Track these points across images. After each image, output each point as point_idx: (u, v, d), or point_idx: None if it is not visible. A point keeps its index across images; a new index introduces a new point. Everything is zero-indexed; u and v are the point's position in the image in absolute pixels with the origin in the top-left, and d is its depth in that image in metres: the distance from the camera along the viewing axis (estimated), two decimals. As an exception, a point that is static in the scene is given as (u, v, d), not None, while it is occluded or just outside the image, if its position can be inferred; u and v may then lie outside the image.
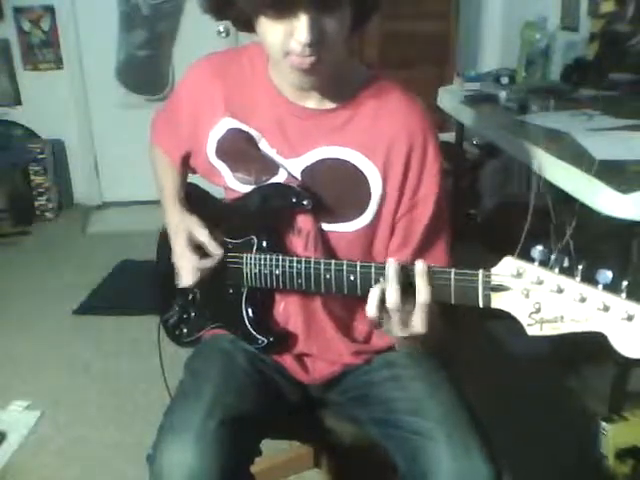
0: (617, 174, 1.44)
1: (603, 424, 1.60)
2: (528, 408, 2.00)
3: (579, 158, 1.56)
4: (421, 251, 1.10)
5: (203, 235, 1.16)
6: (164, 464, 0.96)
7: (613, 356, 0.75)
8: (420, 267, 0.89)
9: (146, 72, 4.00)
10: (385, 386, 1.12)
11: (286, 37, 0.92)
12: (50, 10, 3.79)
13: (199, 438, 0.96)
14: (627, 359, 0.75)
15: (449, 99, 2.55)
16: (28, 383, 2.27)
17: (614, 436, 1.59)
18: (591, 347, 2.12)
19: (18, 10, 3.78)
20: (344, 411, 1.21)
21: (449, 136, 2.76)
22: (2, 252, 3.42)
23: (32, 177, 3.87)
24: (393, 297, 0.90)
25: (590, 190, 1.43)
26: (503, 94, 2.23)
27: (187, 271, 1.17)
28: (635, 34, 2.37)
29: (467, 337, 2.13)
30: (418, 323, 0.91)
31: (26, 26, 3.81)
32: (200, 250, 1.17)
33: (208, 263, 1.15)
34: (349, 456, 1.39)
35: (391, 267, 0.90)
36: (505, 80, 2.52)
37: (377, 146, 1.06)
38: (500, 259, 0.83)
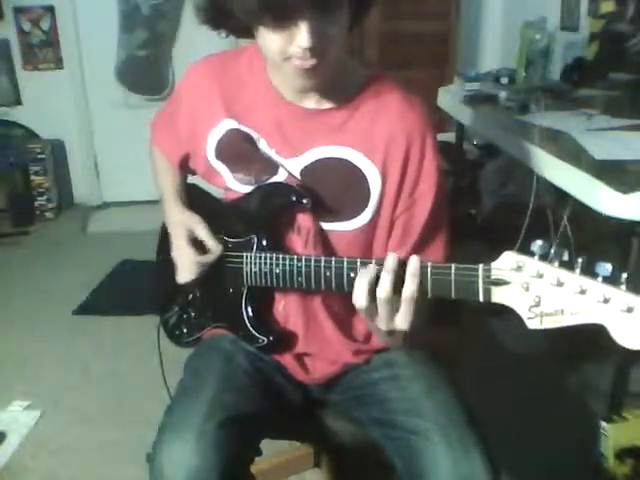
0: (617, 174, 1.43)
1: (603, 424, 1.60)
2: (528, 408, 2.00)
3: (579, 158, 1.56)
4: (419, 248, 1.10)
5: (203, 231, 1.16)
6: (164, 463, 0.96)
7: (614, 352, 0.75)
8: (413, 264, 0.90)
9: (146, 72, 4.00)
10: (384, 386, 1.12)
11: (286, 43, 0.93)
12: (50, 10, 3.79)
13: (199, 437, 0.96)
14: (627, 358, 0.75)
15: (449, 99, 2.55)
16: (28, 383, 2.27)
17: (614, 436, 1.58)
18: (591, 347, 2.12)
19: (18, 10, 3.78)
20: (344, 411, 1.21)
21: (449, 136, 2.76)
22: (2, 252, 3.43)
23: (32, 177, 3.88)
24: (386, 287, 0.90)
25: (590, 190, 1.43)
26: (503, 94, 2.23)
27: (185, 267, 1.17)
28: (635, 34, 2.37)
29: (467, 335, 2.13)
30: (401, 319, 0.92)
31: (26, 26, 3.82)
32: (200, 246, 1.17)
33: (207, 259, 1.15)
34: (349, 456, 1.38)
35: (390, 258, 0.91)
36: (505, 80, 2.51)
37: (376, 145, 1.06)
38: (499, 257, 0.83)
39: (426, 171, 1.07)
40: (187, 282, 1.19)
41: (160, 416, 1.06)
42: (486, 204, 3.19)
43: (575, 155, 1.59)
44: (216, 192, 1.25)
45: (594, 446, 1.64)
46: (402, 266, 0.91)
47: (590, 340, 2.05)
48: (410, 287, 0.89)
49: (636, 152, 1.57)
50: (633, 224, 1.41)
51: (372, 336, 1.17)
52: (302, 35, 0.90)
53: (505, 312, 0.83)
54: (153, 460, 0.99)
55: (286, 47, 0.93)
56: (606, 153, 1.56)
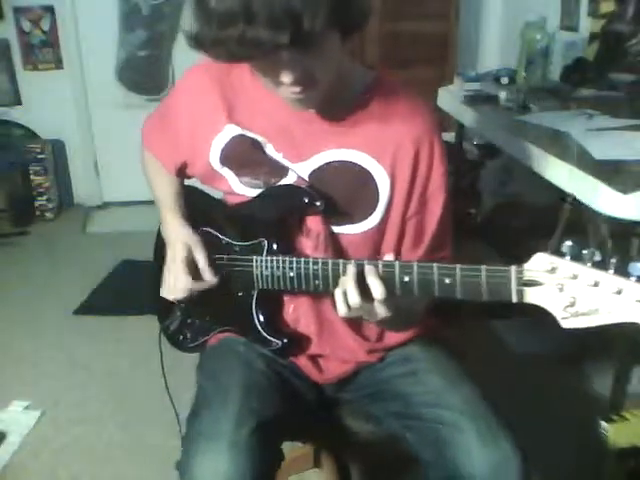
0: (617, 174, 1.43)
1: (603, 424, 1.60)
2: (528, 408, 1.99)
3: (579, 158, 1.56)
4: (433, 248, 1.12)
5: (201, 258, 1.15)
6: (197, 471, 0.95)
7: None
8: (369, 268, 0.94)
9: (146, 72, 4.00)
10: (402, 381, 1.13)
11: (273, 75, 0.93)
12: (50, 10, 3.79)
13: (232, 445, 0.95)
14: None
15: (449, 99, 2.55)
16: (28, 383, 2.27)
17: (614, 436, 1.58)
18: (591, 347, 2.11)
19: (18, 10, 3.78)
20: (358, 408, 1.21)
21: (449, 136, 2.76)
22: (2, 252, 3.42)
23: (32, 177, 3.88)
24: (354, 297, 0.94)
25: (590, 190, 1.43)
26: (503, 94, 2.23)
27: (176, 288, 1.16)
28: (635, 34, 2.36)
29: (469, 336, 2.13)
30: (383, 311, 0.95)
31: (26, 26, 3.82)
32: (194, 268, 1.16)
33: (200, 287, 1.15)
34: (364, 455, 1.38)
35: (349, 269, 0.95)
36: (505, 80, 2.51)
37: (385, 148, 1.07)
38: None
39: (436, 172, 1.09)
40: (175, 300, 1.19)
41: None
42: (486, 204, 3.19)
43: (575, 155, 1.59)
44: (214, 194, 1.24)
45: (594, 446, 1.64)
46: (360, 270, 0.95)
47: (590, 341, 2.05)
48: (377, 291, 0.93)
49: (636, 152, 1.57)
50: (633, 224, 1.41)
51: (385, 334, 1.17)
52: (284, 73, 0.91)
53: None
54: (185, 469, 0.98)
55: (274, 78, 0.93)
56: (606, 153, 1.56)
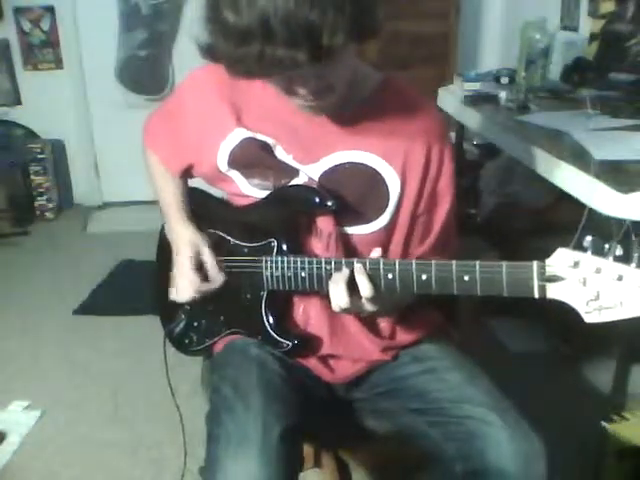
0: (617, 174, 1.43)
1: (603, 424, 1.60)
2: (527, 408, 1.99)
3: (579, 158, 1.55)
4: (439, 242, 1.14)
5: (209, 258, 1.15)
6: (227, 478, 0.95)
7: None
8: (358, 267, 0.96)
9: (146, 72, 4.00)
10: (420, 379, 1.13)
11: (289, 87, 0.93)
12: (50, 10, 3.79)
13: (263, 451, 0.95)
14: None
15: (449, 99, 2.55)
16: (28, 383, 2.27)
17: (614, 436, 1.58)
18: (591, 346, 2.11)
19: (18, 10, 3.79)
20: (370, 405, 1.20)
21: (449, 136, 2.76)
22: (2, 252, 3.43)
23: (32, 177, 3.89)
24: (343, 297, 0.97)
25: (590, 190, 1.43)
26: (503, 94, 2.23)
27: (185, 290, 1.16)
28: (635, 34, 2.36)
29: (467, 335, 2.13)
30: (370, 308, 0.98)
31: (26, 26, 3.82)
32: (201, 270, 1.16)
33: (208, 287, 1.15)
34: (379, 454, 1.37)
35: (357, 268, 0.97)
36: (505, 80, 2.51)
37: (395, 149, 1.07)
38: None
39: (445, 172, 1.10)
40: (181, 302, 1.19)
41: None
42: (486, 204, 3.19)
43: (575, 155, 1.59)
44: (217, 194, 1.23)
45: (594, 446, 1.64)
46: (350, 271, 0.98)
47: (590, 340, 2.05)
48: (365, 289, 0.96)
49: (636, 152, 1.57)
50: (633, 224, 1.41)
51: (397, 332, 1.18)
52: (298, 86, 0.91)
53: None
54: (212, 473, 0.97)
55: (288, 88, 0.93)
56: (606, 153, 1.56)
